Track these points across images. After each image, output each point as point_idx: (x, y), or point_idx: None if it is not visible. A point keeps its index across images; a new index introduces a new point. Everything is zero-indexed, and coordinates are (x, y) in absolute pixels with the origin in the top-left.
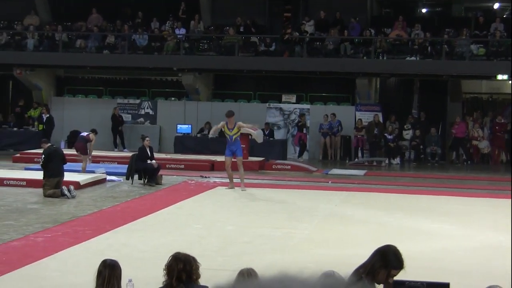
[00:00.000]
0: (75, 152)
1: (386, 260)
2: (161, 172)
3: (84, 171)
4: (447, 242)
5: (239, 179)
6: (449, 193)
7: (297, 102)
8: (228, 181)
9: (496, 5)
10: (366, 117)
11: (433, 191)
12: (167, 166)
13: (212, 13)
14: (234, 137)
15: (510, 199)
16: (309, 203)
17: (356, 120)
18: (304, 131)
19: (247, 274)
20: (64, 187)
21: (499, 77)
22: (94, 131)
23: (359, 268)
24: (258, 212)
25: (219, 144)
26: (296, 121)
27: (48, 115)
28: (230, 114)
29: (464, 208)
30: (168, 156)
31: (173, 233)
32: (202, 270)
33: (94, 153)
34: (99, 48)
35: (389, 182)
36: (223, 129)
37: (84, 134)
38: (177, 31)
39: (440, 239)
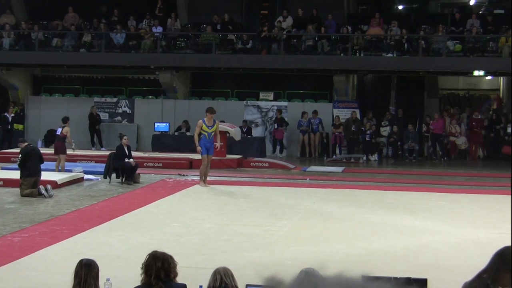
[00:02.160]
0: (52, 151)
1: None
2: (139, 170)
3: (63, 170)
4: (427, 237)
5: (215, 177)
6: (428, 189)
7: (275, 99)
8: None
9: (472, 1)
10: (343, 114)
11: (412, 187)
12: (145, 164)
13: (189, 11)
14: (212, 134)
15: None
16: (288, 201)
17: (334, 117)
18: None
19: (223, 274)
20: (41, 187)
21: (476, 73)
22: (64, 120)
23: (481, 273)
24: (237, 210)
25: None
26: (275, 117)
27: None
28: (212, 111)
29: (444, 204)
30: (146, 154)
31: (152, 232)
32: (180, 269)
33: (70, 152)
34: (75, 47)
35: (367, 178)
36: (201, 129)
37: (58, 131)
38: (154, 29)
39: (421, 235)
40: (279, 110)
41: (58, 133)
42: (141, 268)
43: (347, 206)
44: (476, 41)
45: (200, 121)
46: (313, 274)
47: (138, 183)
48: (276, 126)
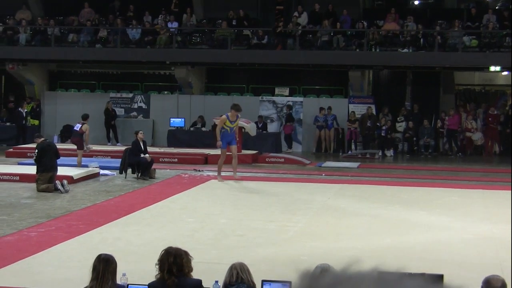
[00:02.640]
0: (68, 147)
1: None
2: (154, 166)
3: (79, 165)
4: (442, 233)
5: (230, 172)
6: (444, 185)
7: (290, 95)
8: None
9: None
10: (359, 109)
11: (427, 183)
12: (160, 160)
13: (204, 6)
14: (234, 129)
15: (510, 191)
16: (303, 196)
17: (349, 112)
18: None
19: (240, 270)
20: (57, 182)
21: (492, 68)
22: (84, 117)
23: None
24: (251, 205)
25: (213, 137)
26: (286, 112)
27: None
28: (238, 108)
29: (459, 199)
30: (161, 149)
31: (167, 227)
32: (195, 264)
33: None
34: (91, 42)
35: (382, 174)
36: (224, 124)
37: (77, 127)
38: (169, 25)
39: (435, 230)
40: (288, 106)
41: (77, 129)
42: (156, 264)
43: (362, 201)
44: (492, 37)
45: (224, 116)
46: (328, 270)
47: (153, 178)
48: (284, 122)
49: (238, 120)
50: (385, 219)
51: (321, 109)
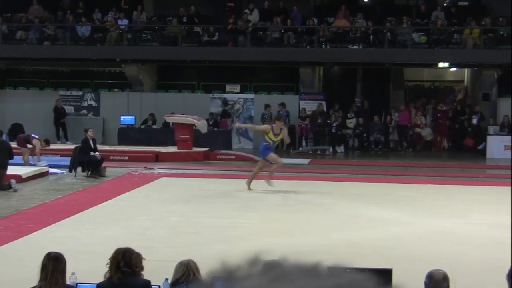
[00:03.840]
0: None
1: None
2: (104, 164)
3: (27, 164)
4: (393, 228)
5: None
6: (394, 180)
7: (242, 92)
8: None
9: None
10: (310, 106)
11: (378, 178)
12: (110, 158)
13: (155, 3)
14: (276, 143)
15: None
16: (255, 193)
17: (300, 109)
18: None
19: (188, 267)
20: (12, 180)
21: (441, 64)
22: (46, 141)
23: None
24: (204, 203)
25: (163, 134)
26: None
27: None
28: (282, 119)
29: (409, 195)
30: (112, 148)
31: (118, 225)
32: (146, 262)
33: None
34: (40, 40)
35: (333, 170)
36: (265, 134)
37: (35, 136)
38: (119, 22)
39: (387, 225)
40: (225, 102)
41: (34, 135)
42: (107, 264)
43: (314, 198)
44: (441, 33)
45: (269, 126)
46: (275, 264)
47: (104, 176)
48: (219, 118)
49: (283, 131)
50: (337, 215)
51: (267, 106)
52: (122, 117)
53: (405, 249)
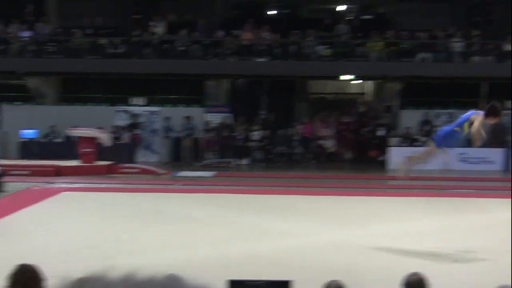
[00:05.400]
0: None
1: None
2: (4, 178)
3: None
4: (294, 240)
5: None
6: (298, 192)
7: (147, 104)
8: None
9: (341, 7)
10: (215, 118)
11: (281, 190)
12: (11, 172)
13: (59, 15)
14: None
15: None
16: (158, 206)
17: (206, 121)
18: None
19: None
20: None
21: (344, 77)
22: None
23: None
24: (105, 217)
25: (66, 148)
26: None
27: None
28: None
29: (313, 206)
30: (12, 162)
31: (17, 241)
32: (46, 278)
33: None
34: None
35: (238, 182)
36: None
37: None
38: (22, 34)
39: (288, 237)
40: (134, 115)
41: None
42: (5, 283)
43: (218, 210)
44: (345, 46)
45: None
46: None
47: (3, 191)
48: (127, 131)
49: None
50: (240, 227)
51: (169, 118)
52: (24, 131)
53: (304, 260)
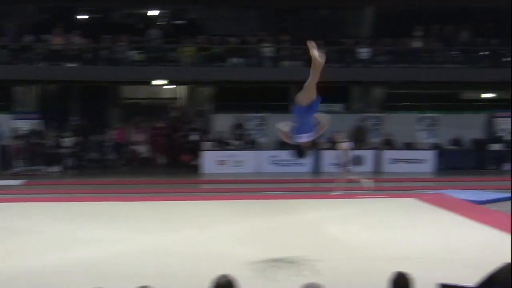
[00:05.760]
0: None
1: None
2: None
3: None
4: (105, 247)
5: None
6: (111, 198)
7: None
8: None
9: (153, 12)
10: (24, 125)
11: (93, 197)
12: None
13: None
14: None
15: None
16: None
17: (14, 128)
18: None
19: None
20: None
21: (156, 82)
22: None
23: None
24: None
25: None
26: None
27: None
28: None
29: (124, 212)
30: None
31: None
32: None
33: None
34: None
35: (49, 190)
36: None
37: None
38: None
39: (99, 244)
40: None
41: None
42: None
43: (29, 219)
44: (156, 51)
45: None
46: None
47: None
48: None
49: None
50: (50, 236)
51: None
52: None
53: (114, 267)
